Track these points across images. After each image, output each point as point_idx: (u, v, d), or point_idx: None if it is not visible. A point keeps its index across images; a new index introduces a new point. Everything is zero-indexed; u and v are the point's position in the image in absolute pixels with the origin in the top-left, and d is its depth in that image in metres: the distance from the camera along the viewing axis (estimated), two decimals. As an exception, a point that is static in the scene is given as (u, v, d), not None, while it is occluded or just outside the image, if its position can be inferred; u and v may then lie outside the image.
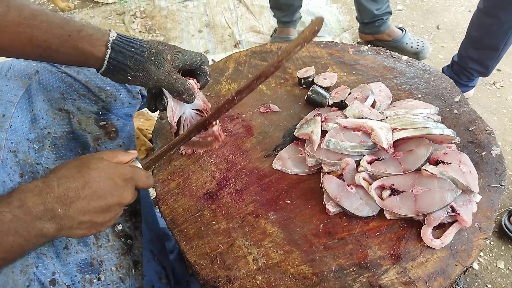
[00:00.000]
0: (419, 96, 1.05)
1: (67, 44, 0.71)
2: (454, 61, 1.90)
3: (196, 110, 0.90)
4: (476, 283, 1.36)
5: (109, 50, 0.73)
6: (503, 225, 1.46)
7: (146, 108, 1.66)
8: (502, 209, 1.53)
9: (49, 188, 0.60)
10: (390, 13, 2.20)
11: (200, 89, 0.87)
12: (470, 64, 1.80)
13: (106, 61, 0.74)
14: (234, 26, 2.51)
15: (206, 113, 0.89)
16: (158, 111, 0.95)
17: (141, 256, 0.88)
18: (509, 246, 1.45)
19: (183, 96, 0.82)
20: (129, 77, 0.76)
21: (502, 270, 1.39)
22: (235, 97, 0.83)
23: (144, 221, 0.95)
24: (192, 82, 0.84)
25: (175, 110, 0.86)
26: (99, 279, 0.76)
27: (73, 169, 0.64)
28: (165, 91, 0.83)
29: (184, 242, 0.79)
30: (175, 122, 0.86)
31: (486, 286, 1.35)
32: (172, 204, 0.85)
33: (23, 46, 0.70)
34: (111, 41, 0.73)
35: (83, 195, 0.62)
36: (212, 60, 2.20)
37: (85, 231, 0.64)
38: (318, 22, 0.79)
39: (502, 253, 1.44)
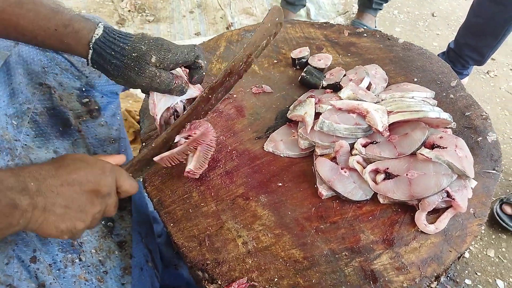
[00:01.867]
0: (415, 79, 1.02)
1: (53, 38, 0.68)
2: (450, 48, 1.88)
3: (188, 99, 0.82)
4: (466, 271, 1.36)
5: (91, 51, 0.70)
6: (495, 214, 1.46)
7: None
8: (494, 198, 1.53)
9: (21, 168, 0.58)
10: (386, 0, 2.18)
11: (193, 83, 0.79)
12: (466, 52, 1.79)
13: (89, 61, 0.71)
14: (227, 8, 2.45)
15: None
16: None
17: (129, 236, 0.85)
18: (500, 234, 1.46)
19: (172, 94, 0.76)
20: (111, 79, 0.73)
21: (492, 259, 1.39)
22: (210, 95, 0.79)
23: (133, 202, 0.93)
24: (180, 71, 0.78)
25: (157, 102, 0.77)
26: (80, 259, 0.73)
27: (48, 161, 0.64)
28: None
29: (172, 224, 0.76)
30: (158, 116, 0.78)
31: (476, 274, 1.35)
32: (160, 185, 0.82)
33: (7, 32, 0.67)
34: (93, 41, 0.69)
35: (57, 174, 0.59)
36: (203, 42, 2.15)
37: (58, 219, 0.58)
38: (276, 11, 0.76)
39: (492, 241, 1.44)
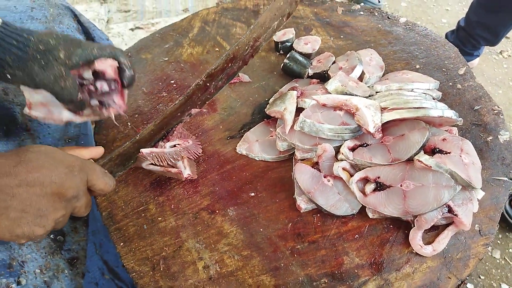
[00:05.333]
0: (417, 66, 0.88)
1: None
2: (460, 26, 1.71)
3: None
4: (468, 273, 1.25)
5: None
6: (504, 211, 1.33)
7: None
8: (502, 192, 1.40)
9: None
10: None
11: (127, 87, 0.68)
12: (478, 31, 1.62)
13: None
14: (220, -18, 2.27)
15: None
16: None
17: (83, 252, 0.75)
18: (507, 234, 1.33)
19: (68, 106, 0.66)
20: (8, 75, 0.61)
21: (498, 260, 1.28)
22: (207, 83, 0.71)
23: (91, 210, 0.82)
24: (111, 74, 0.65)
25: (31, 98, 0.65)
26: (18, 283, 0.63)
27: (9, 152, 0.53)
28: None
29: (122, 243, 0.65)
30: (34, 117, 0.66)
31: (480, 277, 1.24)
32: (112, 195, 0.71)
33: None
34: None
35: (15, 172, 0.49)
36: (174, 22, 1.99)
37: (13, 224, 0.50)
38: None
39: (498, 241, 1.32)
